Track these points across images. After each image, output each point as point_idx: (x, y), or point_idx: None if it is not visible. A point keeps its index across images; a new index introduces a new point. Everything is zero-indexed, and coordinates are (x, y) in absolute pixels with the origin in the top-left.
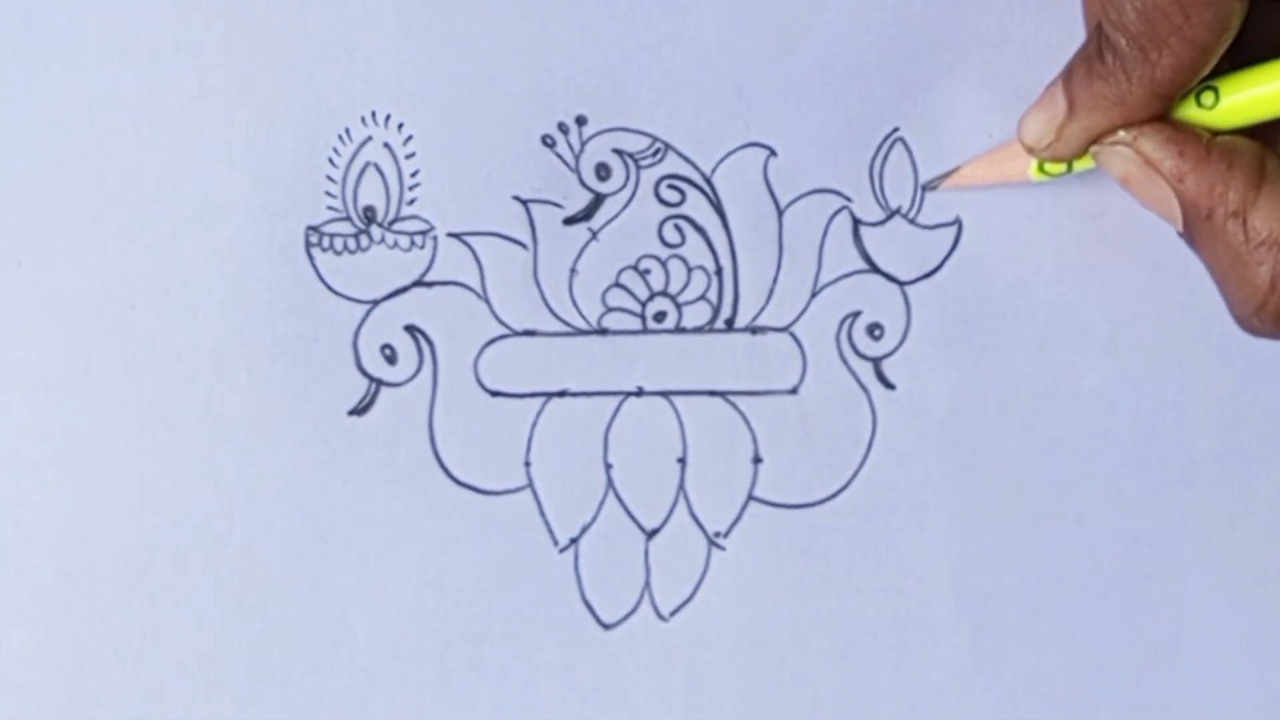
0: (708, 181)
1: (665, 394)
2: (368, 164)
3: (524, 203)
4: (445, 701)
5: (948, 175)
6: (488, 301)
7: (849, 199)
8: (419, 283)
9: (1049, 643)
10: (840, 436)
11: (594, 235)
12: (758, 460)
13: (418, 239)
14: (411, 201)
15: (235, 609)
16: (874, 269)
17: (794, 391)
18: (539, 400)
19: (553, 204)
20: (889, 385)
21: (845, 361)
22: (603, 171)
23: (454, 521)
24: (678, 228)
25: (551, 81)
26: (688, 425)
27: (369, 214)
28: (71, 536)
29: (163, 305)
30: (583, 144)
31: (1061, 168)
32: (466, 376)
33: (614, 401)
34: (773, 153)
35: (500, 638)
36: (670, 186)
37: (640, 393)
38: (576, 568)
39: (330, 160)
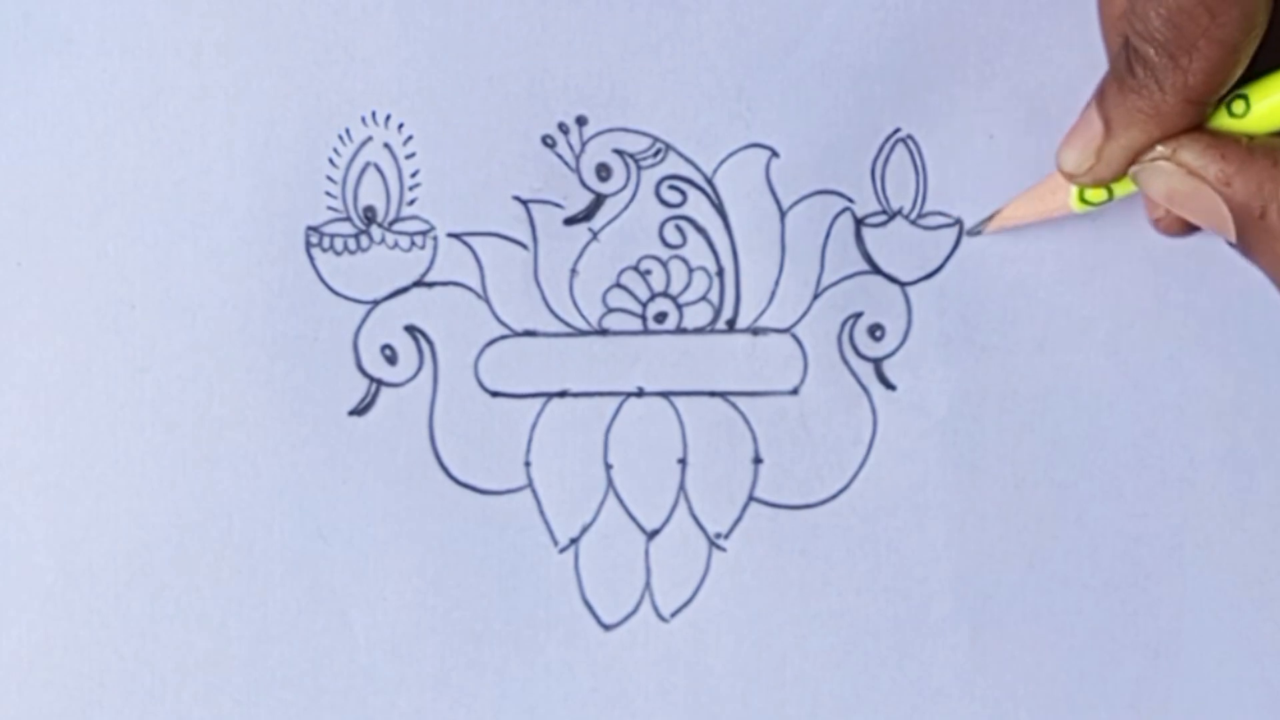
0: (709, 182)
1: (666, 394)
2: (368, 164)
3: (524, 203)
4: (445, 701)
5: (989, 219)
6: (488, 302)
7: (851, 200)
8: (419, 283)
9: (1049, 643)
10: (841, 437)
11: (595, 236)
12: (758, 461)
13: (418, 239)
14: (412, 202)
15: (235, 609)
16: (875, 270)
17: (795, 392)
18: (539, 400)
19: (553, 204)
20: (890, 386)
21: (846, 362)
22: (603, 172)
23: (454, 521)
24: (679, 228)
25: (551, 81)
26: (688, 426)
27: (369, 214)
28: (71, 536)
29: (163, 305)
30: (583, 144)
31: (1103, 194)
32: (467, 377)
33: (614, 402)
34: (774, 153)
35: (500, 638)
36: (671, 187)
37: (641, 393)
38: (577, 568)
39: (330, 160)
